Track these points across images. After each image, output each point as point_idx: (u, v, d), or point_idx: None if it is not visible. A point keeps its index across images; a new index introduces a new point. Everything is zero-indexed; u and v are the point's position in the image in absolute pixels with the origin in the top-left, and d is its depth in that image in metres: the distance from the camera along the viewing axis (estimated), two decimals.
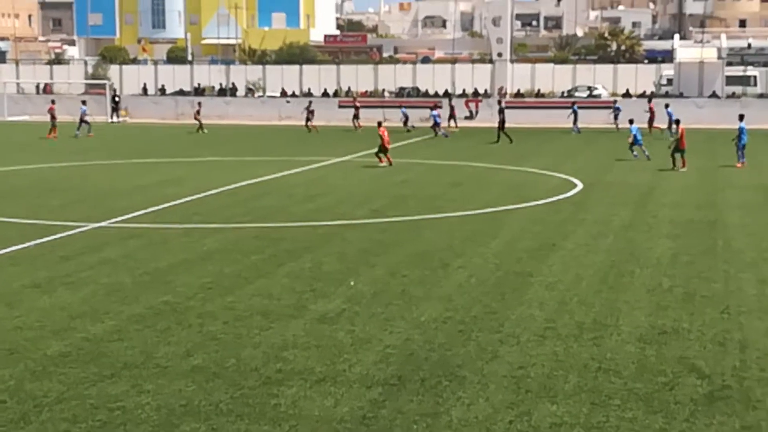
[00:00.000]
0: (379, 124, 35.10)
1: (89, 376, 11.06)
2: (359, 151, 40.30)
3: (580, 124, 52.99)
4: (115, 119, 61.16)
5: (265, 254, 18.28)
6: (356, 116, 54.45)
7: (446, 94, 66.96)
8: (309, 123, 53.56)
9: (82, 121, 49.67)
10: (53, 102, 51.80)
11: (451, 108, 55.93)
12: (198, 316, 13.74)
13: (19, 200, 25.49)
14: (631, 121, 38.25)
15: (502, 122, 46.81)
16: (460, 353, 11.93)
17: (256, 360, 11.70)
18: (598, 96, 66.54)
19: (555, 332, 12.85)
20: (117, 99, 62.64)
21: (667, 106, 48.35)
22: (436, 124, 49.83)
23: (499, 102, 51.49)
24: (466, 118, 60.23)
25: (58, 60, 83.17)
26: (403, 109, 55.69)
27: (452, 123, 54.74)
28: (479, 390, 10.61)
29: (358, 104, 56.31)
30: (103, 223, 21.70)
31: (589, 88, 69.18)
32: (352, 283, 15.68)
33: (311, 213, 23.57)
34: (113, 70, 72.68)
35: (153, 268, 16.94)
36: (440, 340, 12.51)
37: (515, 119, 52.47)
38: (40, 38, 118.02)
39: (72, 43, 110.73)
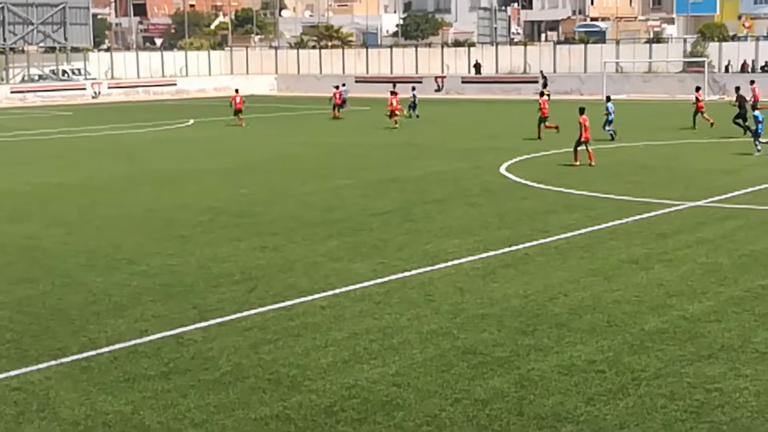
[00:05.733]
0: None
1: (686, 355, 11.07)
2: None
3: None
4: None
5: None
6: None
7: None
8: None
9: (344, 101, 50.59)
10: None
11: None
12: None
13: (615, 177, 26.20)
14: (608, 98, 36.93)
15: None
16: None
17: None
18: None
19: None
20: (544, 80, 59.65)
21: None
22: None
23: (737, 89, 39.19)
24: None
25: (657, 39, 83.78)
26: None
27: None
28: None
29: None
30: (699, 203, 21.53)
31: None
32: None
33: None
34: (712, 47, 71.56)
35: (750, 250, 16.47)
36: None
37: None
38: (640, 17, 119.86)
39: (671, 21, 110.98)
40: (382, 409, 9.68)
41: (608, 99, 37.31)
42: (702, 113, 39.83)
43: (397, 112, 44.09)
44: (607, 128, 35.86)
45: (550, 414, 9.46)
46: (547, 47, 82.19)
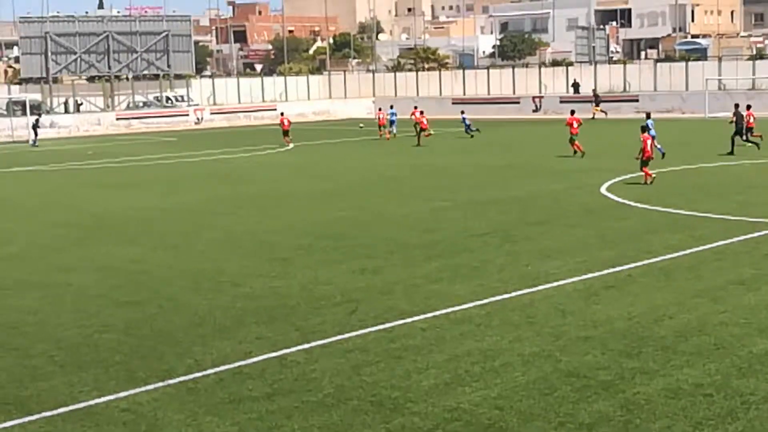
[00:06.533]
0: None
1: None
2: None
3: None
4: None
5: None
6: None
7: None
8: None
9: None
10: None
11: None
12: None
13: (720, 197, 25.66)
14: (647, 115, 36.76)
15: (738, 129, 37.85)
16: None
17: None
18: None
19: None
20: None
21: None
22: None
23: (736, 107, 39.86)
24: None
25: (760, 55, 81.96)
26: None
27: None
28: None
29: None
30: None
31: None
32: None
33: None
34: None
35: None
36: None
37: None
38: (742, 34, 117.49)
39: None
40: None
41: (648, 116, 36.83)
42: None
43: (425, 129, 48.55)
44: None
45: None
46: (647, 65, 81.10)
